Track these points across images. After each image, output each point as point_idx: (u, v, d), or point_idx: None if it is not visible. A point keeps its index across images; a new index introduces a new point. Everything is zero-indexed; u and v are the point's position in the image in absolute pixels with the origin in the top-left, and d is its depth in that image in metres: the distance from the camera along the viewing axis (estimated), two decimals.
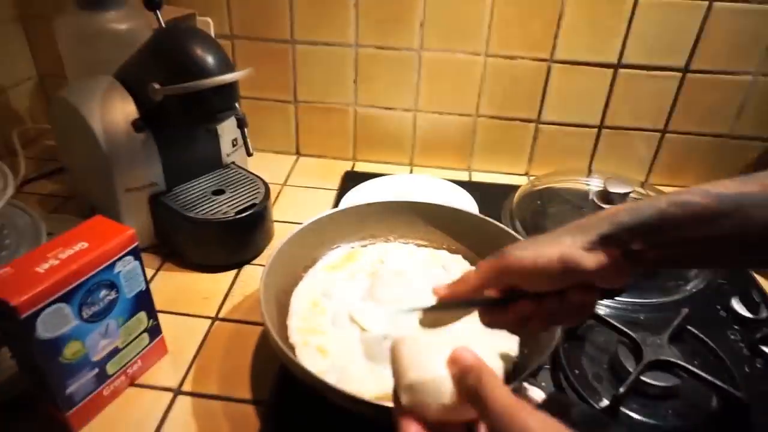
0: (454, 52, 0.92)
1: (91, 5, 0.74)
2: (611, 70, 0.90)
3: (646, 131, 0.96)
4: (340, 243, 0.73)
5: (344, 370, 0.54)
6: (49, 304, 0.47)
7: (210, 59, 0.64)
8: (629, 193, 0.81)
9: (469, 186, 0.93)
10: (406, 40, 0.91)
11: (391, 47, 0.92)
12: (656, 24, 0.86)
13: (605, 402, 0.56)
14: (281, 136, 1.05)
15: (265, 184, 0.80)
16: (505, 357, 0.57)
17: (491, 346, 0.58)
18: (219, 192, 0.77)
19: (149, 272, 0.75)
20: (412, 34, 0.91)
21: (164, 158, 0.74)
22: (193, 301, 0.71)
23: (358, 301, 0.63)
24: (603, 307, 0.70)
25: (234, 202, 0.76)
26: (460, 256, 0.72)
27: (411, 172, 1.03)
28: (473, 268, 0.69)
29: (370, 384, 0.53)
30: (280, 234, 0.66)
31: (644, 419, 0.56)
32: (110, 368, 0.55)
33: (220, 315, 0.69)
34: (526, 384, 0.49)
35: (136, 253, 0.54)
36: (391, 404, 0.49)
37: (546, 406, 0.45)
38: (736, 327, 0.69)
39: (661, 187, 0.91)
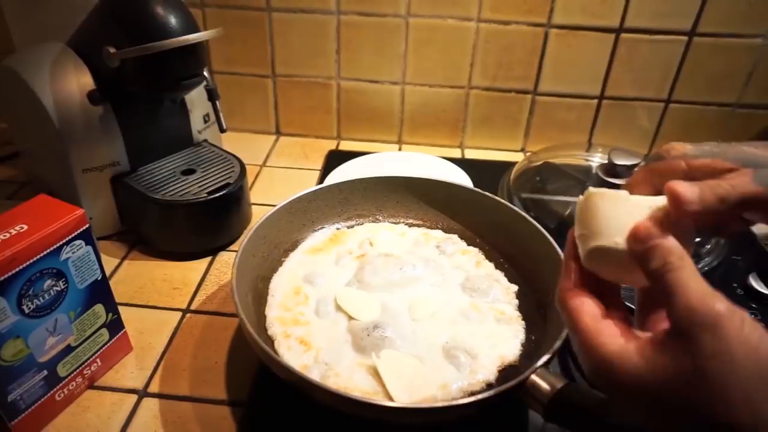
0: (444, 17, 0.85)
1: None
2: (613, 35, 0.84)
3: (648, 101, 0.90)
4: (324, 224, 0.66)
5: (330, 364, 0.48)
6: None
7: (171, 18, 0.57)
8: (636, 164, 0.75)
9: (462, 164, 0.87)
10: (391, 5, 0.84)
11: (375, 13, 0.85)
12: None
13: None
14: (259, 114, 0.97)
15: (241, 163, 0.73)
16: (511, 343, 0.51)
17: (498, 333, 0.52)
18: (189, 172, 0.70)
19: (113, 262, 0.68)
20: None
21: (126, 135, 0.67)
22: (161, 292, 0.64)
23: (344, 287, 0.57)
24: None
25: (206, 182, 0.69)
26: (456, 236, 0.65)
27: (400, 150, 0.97)
28: (471, 248, 0.63)
29: (359, 379, 0.46)
30: (259, 218, 0.59)
31: None
32: (62, 369, 0.48)
33: (192, 307, 0.62)
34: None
35: (87, 237, 0.47)
36: (381, 402, 0.43)
37: (559, 396, 0.40)
38: (754, 305, 0.64)
39: None
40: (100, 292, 0.50)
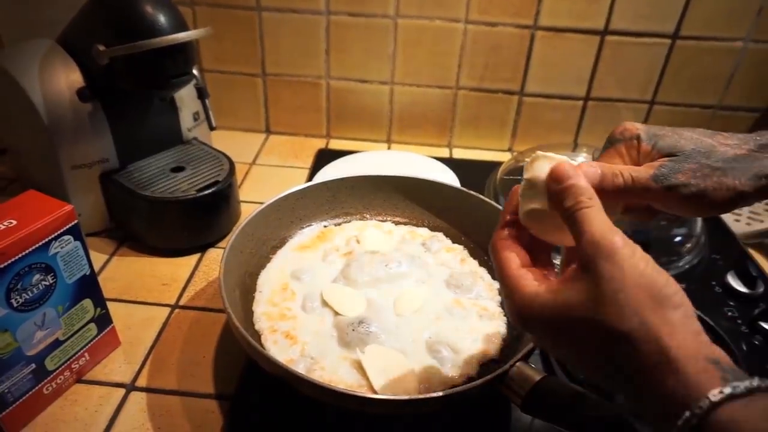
0: (432, 18, 0.86)
1: None
2: (598, 37, 0.86)
3: (633, 102, 0.92)
4: (311, 221, 0.67)
5: (315, 358, 0.49)
6: None
7: (160, 16, 0.57)
8: None
9: (450, 163, 0.88)
10: (380, 5, 0.85)
11: (364, 14, 0.86)
12: None
13: None
14: (249, 113, 0.98)
15: (230, 161, 0.74)
16: (493, 339, 0.53)
17: (481, 328, 0.53)
18: (178, 169, 0.71)
19: (102, 258, 0.68)
20: None
21: (115, 132, 0.67)
22: (150, 287, 0.64)
23: (330, 283, 0.58)
24: None
25: (195, 179, 0.69)
26: (441, 234, 0.66)
27: (389, 149, 0.98)
28: (456, 246, 0.64)
29: (344, 373, 0.47)
30: (248, 214, 0.60)
31: None
32: (50, 363, 0.49)
33: (181, 302, 0.63)
34: None
35: (76, 233, 0.48)
36: (364, 394, 0.44)
37: (536, 388, 0.41)
38: (732, 303, 0.65)
39: None
40: (89, 287, 0.51)
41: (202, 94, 0.69)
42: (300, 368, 0.48)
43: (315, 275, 0.59)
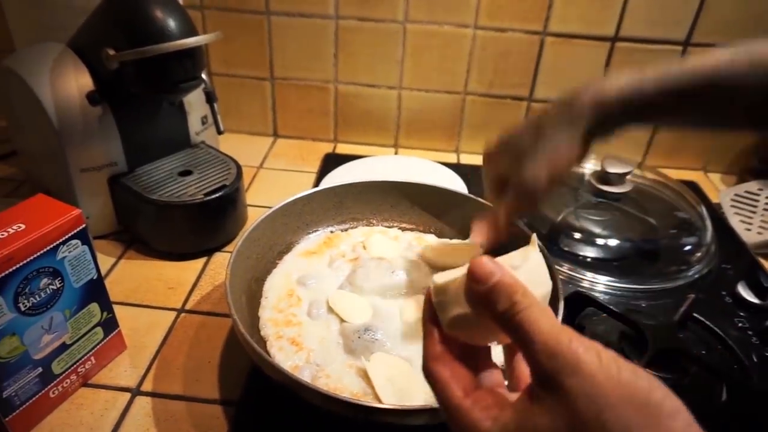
0: (441, 24, 0.86)
1: None
2: (608, 44, 0.85)
3: None
4: (318, 227, 0.67)
5: (321, 365, 0.49)
6: None
7: (170, 21, 0.58)
8: (628, 173, 0.76)
9: (457, 168, 0.88)
10: (389, 11, 0.85)
11: (373, 19, 0.86)
12: None
13: None
14: (257, 116, 0.98)
15: (237, 165, 0.74)
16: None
17: None
18: (186, 173, 0.71)
19: (109, 261, 0.68)
20: (397, 4, 0.85)
21: (124, 135, 0.67)
22: (157, 291, 0.64)
23: (336, 289, 0.57)
24: (601, 294, 0.65)
25: (202, 183, 0.69)
26: (448, 240, 0.66)
27: (396, 153, 0.98)
28: None
29: (349, 381, 0.47)
30: (254, 219, 0.60)
31: None
32: (57, 367, 0.49)
33: (187, 307, 0.63)
34: None
35: (83, 237, 0.48)
36: (369, 403, 0.44)
37: None
38: (742, 314, 0.65)
39: (658, 169, 0.86)
40: (96, 291, 0.51)
41: (210, 98, 0.69)
42: (305, 375, 0.48)
43: (321, 281, 0.59)
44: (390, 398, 0.45)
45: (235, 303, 0.49)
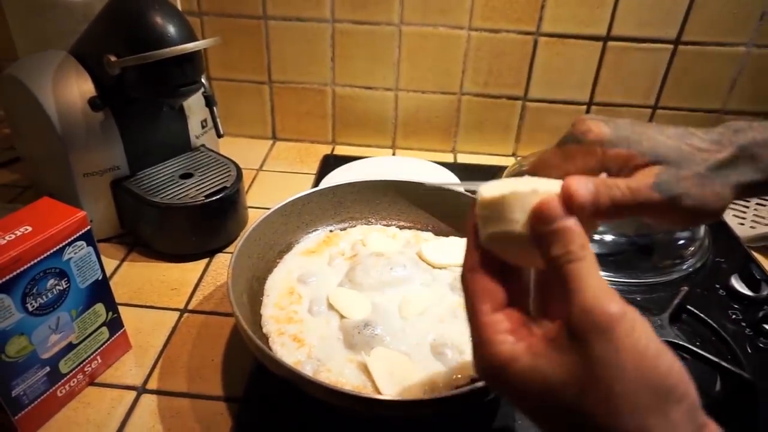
0: (436, 26, 0.87)
1: None
2: (600, 43, 0.87)
3: (636, 107, 0.92)
4: (317, 226, 0.68)
5: (322, 360, 0.50)
6: None
7: (170, 27, 0.59)
8: None
9: (454, 168, 0.89)
10: (385, 14, 0.87)
11: (369, 22, 0.88)
12: None
13: None
14: (256, 120, 0.99)
15: (237, 167, 0.75)
16: None
17: None
18: (187, 176, 0.72)
19: (113, 263, 0.70)
20: (392, 7, 0.86)
21: (126, 140, 0.68)
22: (160, 292, 0.66)
23: (336, 287, 0.58)
24: None
25: (203, 185, 0.71)
26: (445, 238, 0.67)
27: (394, 154, 0.99)
28: None
29: (350, 375, 0.48)
30: (255, 220, 0.61)
31: None
32: (64, 366, 0.50)
33: (190, 307, 0.64)
34: None
35: (88, 238, 0.49)
36: (370, 395, 0.45)
37: None
38: (736, 306, 0.66)
39: None
40: (101, 291, 0.52)
41: (209, 102, 0.71)
42: (307, 370, 0.49)
43: (321, 279, 0.60)
44: (390, 391, 0.46)
45: (237, 302, 0.51)
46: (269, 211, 0.63)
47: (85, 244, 0.49)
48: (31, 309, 0.45)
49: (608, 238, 0.73)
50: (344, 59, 0.91)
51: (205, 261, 0.71)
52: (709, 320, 0.61)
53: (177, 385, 0.54)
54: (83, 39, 0.66)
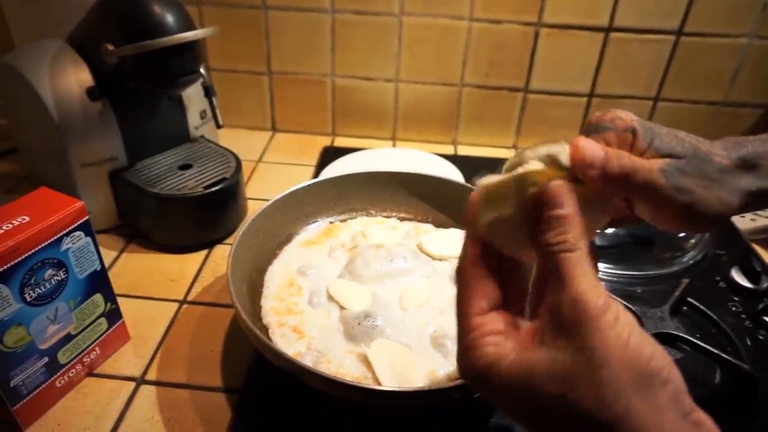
0: (437, 16, 0.86)
1: None
2: (602, 34, 0.86)
3: (637, 99, 0.92)
4: (317, 217, 0.68)
5: (322, 351, 0.50)
6: None
7: (168, 16, 0.58)
8: None
9: (454, 160, 0.88)
10: (385, 4, 0.86)
11: (369, 12, 0.87)
12: None
13: None
14: (255, 111, 0.99)
15: (237, 158, 0.75)
16: None
17: None
18: (186, 167, 0.72)
19: (112, 255, 0.69)
20: None
21: (124, 130, 0.68)
22: (159, 283, 0.65)
23: (336, 278, 0.58)
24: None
25: (202, 176, 0.70)
26: (445, 230, 0.67)
27: (394, 146, 0.98)
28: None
29: (350, 366, 0.48)
30: (254, 212, 0.61)
31: None
32: (62, 357, 0.50)
33: (189, 298, 0.64)
34: None
35: (86, 229, 0.49)
36: (370, 386, 0.45)
37: None
38: (736, 298, 0.66)
39: None
40: (99, 282, 0.52)
41: (208, 92, 0.70)
42: (307, 361, 0.49)
43: (321, 270, 0.59)
44: (390, 382, 0.46)
45: (237, 293, 0.50)
46: (269, 202, 0.62)
47: (83, 235, 0.48)
48: (29, 299, 0.45)
49: (609, 230, 0.73)
50: (344, 50, 0.91)
51: (204, 252, 0.70)
52: (709, 312, 0.61)
53: (176, 376, 0.54)
54: (80, 27, 0.65)
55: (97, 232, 0.71)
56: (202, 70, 0.66)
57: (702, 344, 0.53)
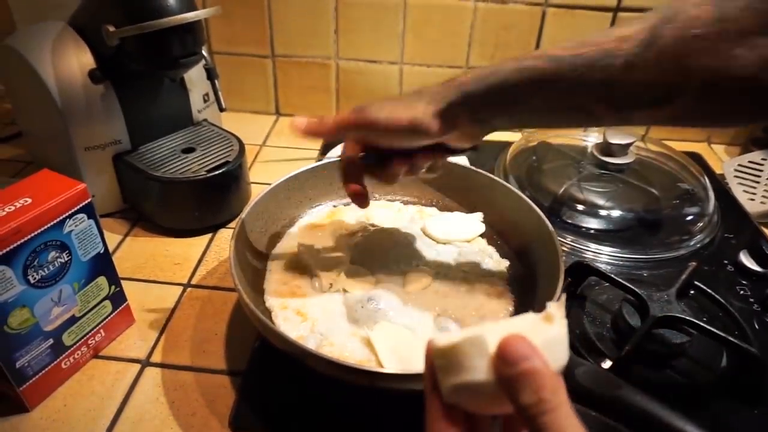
0: None
1: None
2: (610, 14, 0.84)
3: None
4: (321, 201, 0.68)
5: (325, 334, 0.50)
6: None
7: None
8: (631, 143, 0.76)
9: None
10: None
11: None
12: None
13: (608, 362, 0.52)
14: (259, 95, 0.98)
15: (240, 142, 0.74)
16: (501, 316, 0.53)
17: (488, 306, 0.54)
18: (189, 150, 0.72)
19: (116, 238, 0.69)
20: None
21: (127, 113, 0.68)
22: (163, 267, 0.65)
23: (339, 261, 0.58)
24: (605, 264, 0.66)
25: (205, 160, 0.70)
26: (450, 213, 0.66)
27: None
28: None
29: (353, 348, 0.48)
30: (258, 195, 0.60)
31: (652, 378, 0.52)
32: (67, 339, 0.50)
33: (193, 281, 0.64)
34: None
35: (89, 211, 0.49)
36: (372, 368, 0.45)
37: None
38: (744, 282, 0.65)
39: (662, 141, 0.86)
40: (103, 265, 0.52)
41: (211, 74, 0.69)
42: (310, 344, 0.49)
43: (325, 254, 0.59)
44: (393, 365, 0.46)
45: (240, 276, 0.50)
46: (272, 185, 0.62)
47: (86, 217, 0.48)
48: (32, 281, 0.45)
49: (615, 214, 0.73)
50: (348, 32, 0.90)
51: (208, 236, 0.70)
52: (716, 296, 0.60)
53: (180, 358, 0.54)
54: (82, 9, 0.65)
55: (102, 215, 0.71)
56: (204, 53, 0.66)
57: (709, 327, 0.53)
